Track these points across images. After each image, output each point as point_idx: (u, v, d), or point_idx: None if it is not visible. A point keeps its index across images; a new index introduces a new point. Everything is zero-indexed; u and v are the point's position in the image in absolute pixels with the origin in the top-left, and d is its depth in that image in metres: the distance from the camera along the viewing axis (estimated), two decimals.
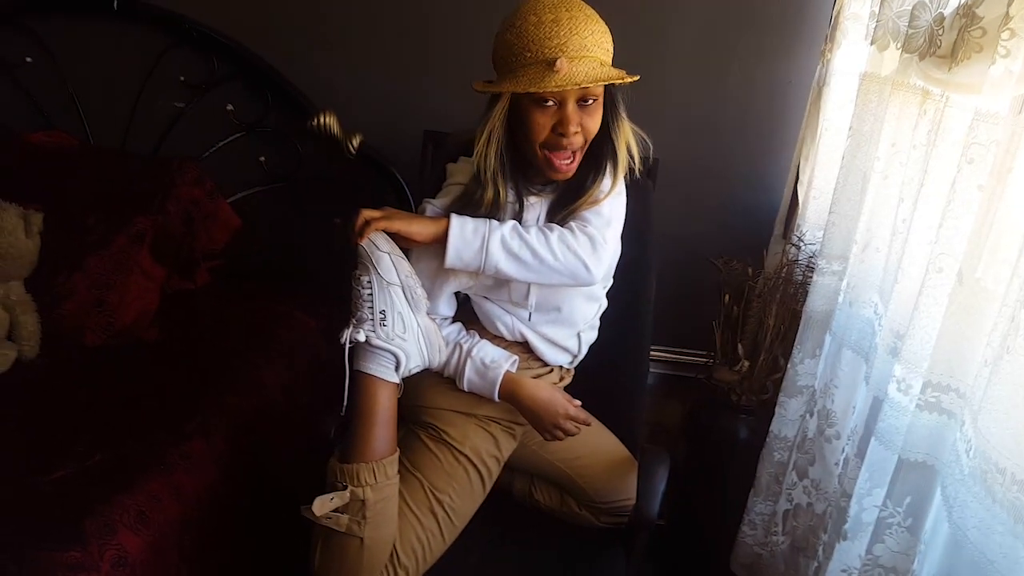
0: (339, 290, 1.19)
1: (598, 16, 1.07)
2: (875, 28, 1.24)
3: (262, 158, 1.82)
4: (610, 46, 1.08)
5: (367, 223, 1.07)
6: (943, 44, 1.01)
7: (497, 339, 1.22)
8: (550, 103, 1.06)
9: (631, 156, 1.17)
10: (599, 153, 1.14)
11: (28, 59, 1.78)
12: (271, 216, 1.84)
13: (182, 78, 1.76)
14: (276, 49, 1.72)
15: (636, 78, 1.08)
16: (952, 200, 0.94)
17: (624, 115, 1.14)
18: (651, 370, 1.56)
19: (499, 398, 1.16)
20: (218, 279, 1.77)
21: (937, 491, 0.95)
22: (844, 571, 1.12)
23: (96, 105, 1.82)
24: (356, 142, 1.70)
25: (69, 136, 1.76)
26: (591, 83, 1.02)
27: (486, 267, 1.09)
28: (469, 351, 1.17)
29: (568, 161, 1.11)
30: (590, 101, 1.07)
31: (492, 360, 1.16)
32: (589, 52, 1.03)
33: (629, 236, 1.22)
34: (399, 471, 1.12)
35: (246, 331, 1.59)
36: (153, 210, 1.58)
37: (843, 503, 1.12)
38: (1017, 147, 0.85)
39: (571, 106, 1.06)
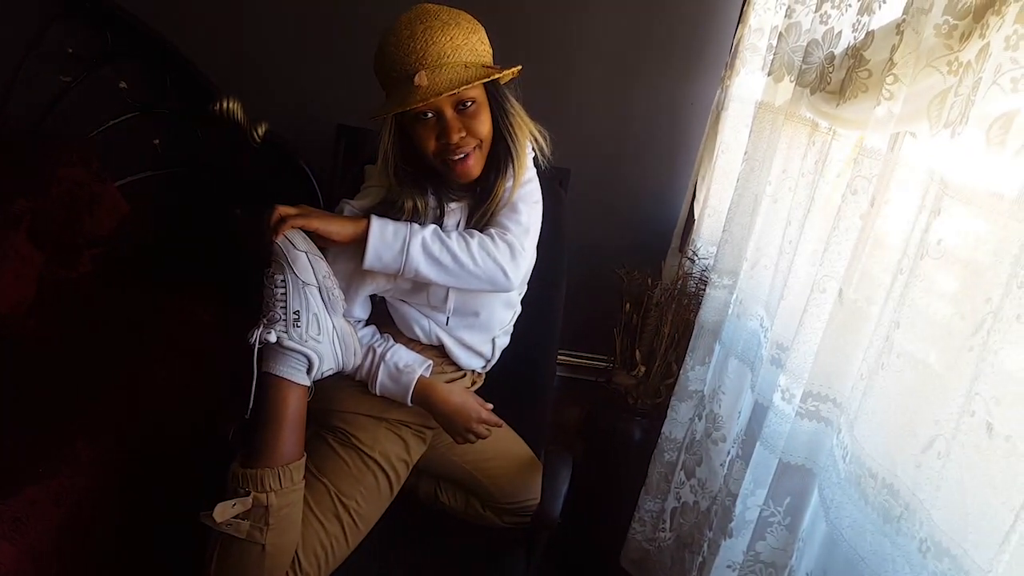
0: (237, 284, 1.13)
1: (462, 18, 1.06)
2: (772, 60, 1.32)
3: (156, 141, 1.70)
4: (479, 45, 1.07)
5: (282, 219, 1.04)
6: (832, 81, 1.08)
7: (413, 343, 1.21)
8: (429, 115, 1.06)
9: (536, 149, 1.18)
10: (495, 151, 1.15)
11: None
12: (165, 203, 1.73)
13: (70, 50, 1.62)
14: (181, 30, 1.62)
15: (515, 71, 1.09)
16: (836, 226, 1.02)
17: (517, 111, 1.15)
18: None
19: (412, 402, 1.16)
20: (104, 268, 1.64)
21: (815, 492, 1.03)
22: (729, 566, 1.19)
23: None
24: (261, 131, 1.63)
25: None
26: (453, 89, 1.02)
27: (406, 270, 1.08)
28: (383, 355, 1.15)
29: (463, 164, 1.10)
30: (469, 104, 1.07)
31: (406, 364, 1.15)
32: (449, 59, 1.03)
33: (542, 244, 1.24)
34: (304, 476, 1.09)
35: (135, 324, 1.49)
36: (32, 191, 1.45)
37: (728, 502, 1.19)
38: (892, 181, 0.94)
39: (449, 113, 1.06)
